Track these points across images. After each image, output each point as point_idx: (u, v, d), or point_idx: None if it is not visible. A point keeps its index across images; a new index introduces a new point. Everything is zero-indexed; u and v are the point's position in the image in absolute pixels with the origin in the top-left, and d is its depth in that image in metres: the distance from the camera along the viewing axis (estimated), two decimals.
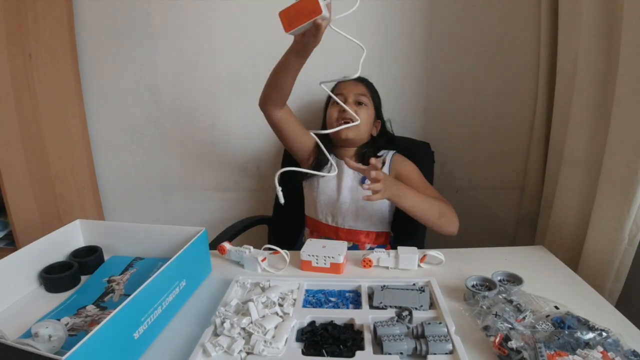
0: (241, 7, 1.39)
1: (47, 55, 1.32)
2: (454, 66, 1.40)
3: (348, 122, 1.01)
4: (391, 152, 1.17)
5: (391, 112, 1.25)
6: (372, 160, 0.87)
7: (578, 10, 1.04)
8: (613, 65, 0.93)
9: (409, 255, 0.89)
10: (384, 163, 1.14)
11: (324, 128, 1.17)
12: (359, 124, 0.99)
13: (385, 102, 1.22)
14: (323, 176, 1.14)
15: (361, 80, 1.17)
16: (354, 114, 0.97)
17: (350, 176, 1.14)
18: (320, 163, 1.15)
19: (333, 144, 1.17)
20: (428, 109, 1.45)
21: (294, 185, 1.18)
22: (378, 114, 1.19)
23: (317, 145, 1.13)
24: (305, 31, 0.79)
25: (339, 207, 1.13)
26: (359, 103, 1.13)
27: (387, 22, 1.37)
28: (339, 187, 1.13)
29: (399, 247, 0.91)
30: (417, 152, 1.20)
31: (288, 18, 0.76)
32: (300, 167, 1.15)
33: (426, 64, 1.40)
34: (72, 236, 0.96)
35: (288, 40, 1.40)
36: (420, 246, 0.93)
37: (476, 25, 1.35)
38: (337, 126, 1.00)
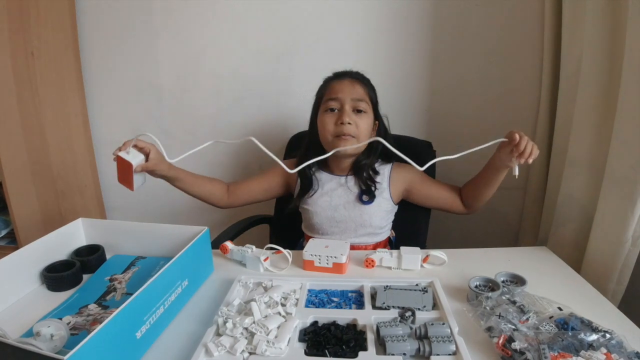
0: (244, 5, 1.39)
1: (49, 53, 1.32)
2: (458, 66, 1.39)
3: (347, 138, 0.97)
4: (389, 165, 1.09)
5: (394, 111, 1.23)
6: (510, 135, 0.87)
7: (582, 11, 1.04)
8: (617, 66, 0.93)
9: (411, 255, 0.89)
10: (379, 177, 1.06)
11: (312, 132, 1.06)
12: (358, 138, 0.97)
13: (388, 100, 1.20)
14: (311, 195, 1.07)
15: (358, 79, 1.03)
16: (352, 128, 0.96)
17: (345, 191, 1.06)
18: (306, 185, 1.08)
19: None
20: (431, 108, 1.44)
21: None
22: (376, 114, 1.06)
23: (298, 172, 1.07)
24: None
25: (336, 226, 1.06)
26: (358, 111, 0.99)
27: (392, 21, 1.37)
28: (333, 204, 1.06)
29: (401, 248, 0.90)
30: (419, 151, 1.19)
31: (124, 180, 0.91)
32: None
33: (430, 63, 1.40)
34: (74, 235, 0.96)
35: (289, 39, 1.42)
36: (423, 246, 0.92)
37: (480, 25, 1.35)
38: (332, 140, 0.98)
